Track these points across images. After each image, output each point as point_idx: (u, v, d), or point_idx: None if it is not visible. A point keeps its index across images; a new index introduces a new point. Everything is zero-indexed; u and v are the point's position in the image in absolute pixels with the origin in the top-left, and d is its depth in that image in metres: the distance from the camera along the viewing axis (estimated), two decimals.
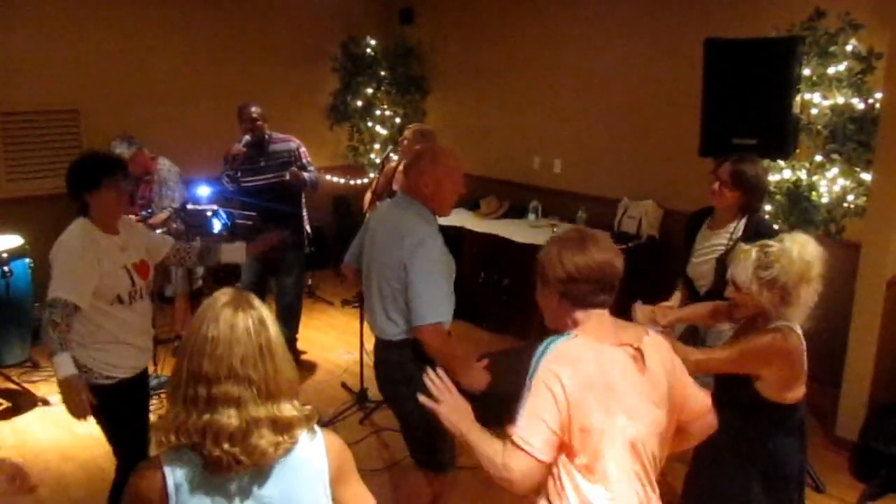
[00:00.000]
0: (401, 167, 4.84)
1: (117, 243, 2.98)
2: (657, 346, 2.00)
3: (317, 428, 1.68)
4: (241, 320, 1.59)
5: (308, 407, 1.67)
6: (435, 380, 2.03)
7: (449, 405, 1.99)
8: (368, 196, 5.23)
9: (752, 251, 2.50)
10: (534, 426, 1.83)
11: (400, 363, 2.92)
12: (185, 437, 1.54)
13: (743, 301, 2.56)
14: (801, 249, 2.41)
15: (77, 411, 2.79)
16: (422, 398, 2.01)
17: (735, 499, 2.60)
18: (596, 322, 1.95)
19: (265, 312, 1.65)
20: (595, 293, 1.94)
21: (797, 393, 2.52)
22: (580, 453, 1.87)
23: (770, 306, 2.47)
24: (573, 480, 1.88)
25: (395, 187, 4.93)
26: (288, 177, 5.01)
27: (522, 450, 1.82)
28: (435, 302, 2.78)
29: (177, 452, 1.56)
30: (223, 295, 1.65)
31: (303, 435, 1.63)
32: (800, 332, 2.48)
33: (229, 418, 1.53)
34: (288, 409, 1.60)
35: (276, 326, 1.65)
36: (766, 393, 2.51)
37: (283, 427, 1.58)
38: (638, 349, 1.93)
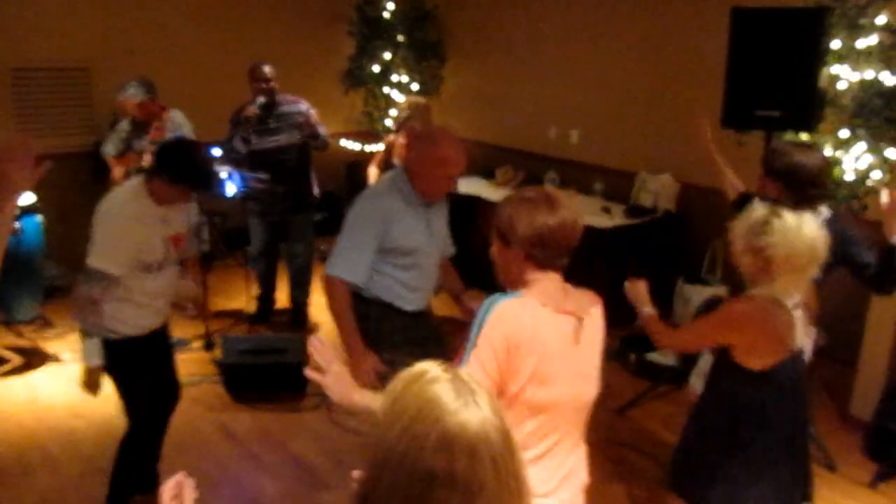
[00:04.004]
0: (399, 140, 4.82)
1: (161, 215, 2.99)
2: (600, 321, 2.02)
3: None
4: (483, 445, 1.04)
5: None
6: (318, 346, 1.82)
7: (333, 375, 1.80)
8: (374, 171, 5.16)
9: (758, 211, 2.32)
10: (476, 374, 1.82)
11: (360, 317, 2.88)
12: None
13: (732, 255, 2.41)
14: (799, 234, 2.21)
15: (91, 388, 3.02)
16: (307, 371, 1.84)
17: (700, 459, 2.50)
18: (545, 284, 1.94)
19: (503, 416, 1.10)
20: (560, 256, 1.95)
21: (763, 361, 2.32)
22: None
23: (748, 271, 2.33)
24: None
25: (394, 160, 4.88)
26: (301, 119, 4.93)
27: None
28: (337, 254, 2.82)
29: None
30: (440, 387, 1.08)
31: None
32: (786, 302, 2.29)
33: None
34: None
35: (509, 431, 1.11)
36: (733, 353, 2.37)
37: None
38: (580, 319, 1.93)
